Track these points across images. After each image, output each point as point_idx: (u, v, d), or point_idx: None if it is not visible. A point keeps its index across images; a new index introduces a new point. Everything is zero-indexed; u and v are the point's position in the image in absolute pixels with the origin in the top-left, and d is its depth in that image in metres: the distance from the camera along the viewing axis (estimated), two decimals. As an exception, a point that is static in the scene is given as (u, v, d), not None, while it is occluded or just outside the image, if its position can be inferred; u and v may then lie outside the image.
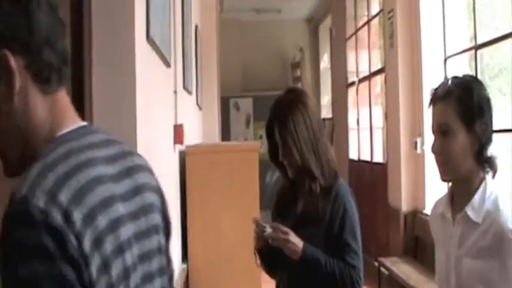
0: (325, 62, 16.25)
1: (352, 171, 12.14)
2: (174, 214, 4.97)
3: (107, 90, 2.83)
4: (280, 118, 3.20)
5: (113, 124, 2.83)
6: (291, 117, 3.17)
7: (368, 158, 11.07)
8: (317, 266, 3.08)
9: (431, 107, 2.58)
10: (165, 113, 4.40)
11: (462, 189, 2.56)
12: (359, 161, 11.80)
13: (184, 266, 5.43)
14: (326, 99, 16.07)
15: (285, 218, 3.25)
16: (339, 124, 13.27)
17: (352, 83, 12.27)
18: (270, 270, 3.39)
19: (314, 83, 16.58)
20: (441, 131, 2.50)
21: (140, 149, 2.91)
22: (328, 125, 13.63)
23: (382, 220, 9.67)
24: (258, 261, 3.30)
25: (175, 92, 4.98)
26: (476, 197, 2.49)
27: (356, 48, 12.06)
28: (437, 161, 2.54)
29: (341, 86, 13.08)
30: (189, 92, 6.70)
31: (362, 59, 11.78)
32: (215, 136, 10.13)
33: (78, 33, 2.75)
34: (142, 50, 3.12)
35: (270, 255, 3.20)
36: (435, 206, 2.80)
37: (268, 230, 3.05)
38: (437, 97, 2.54)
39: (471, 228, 2.49)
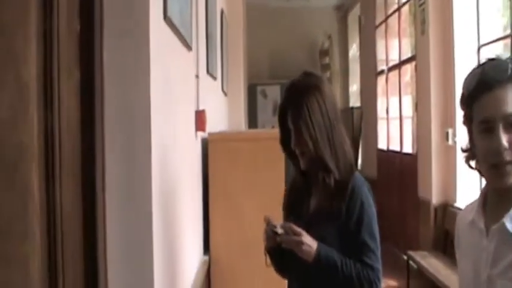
0: (354, 50, 16.05)
1: (381, 161, 11.95)
2: (196, 204, 4.78)
3: (118, 72, 2.64)
4: (294, 103, 2.98)
5: (124, 108, 2.66)
6: (305, 102, 2.94)
7: (397, 148, 10.87)
8: (332, 268, 2.86)
9: (485, 92, 2.09)
10: (186, 98, 4.20)
11: (501, 194, 2.15)
12: (388, 151, 11.60)
13: (206, 257, 5.25)
14: (355, 87, 15.89)
15: (298, 215, 3.05)
16: (367, 113, 13.06)
17: (382, 71, 12.08)
18: (282, 271, 3.18)
19: (343, 71, 16.41)
20: (508, 122, 2.05)
21: (154, 135, 2.75)
22: (357, 113, 13.44)
23: (411, 212, 9.45)
24: (268, 262, 3.09)
25: (197, 77, 4.79)
26: None
27: (386, 35, 11.87)
28: (501, 162, 2.06)
29: (370, 74, 12.88)
30: (214, 78, 6.51)
31: (392, 46, 11.58)
32: (241, 124, 9.94)
33: (88, 11, 2.56)
34: (158, 29, 2.92)
35: (281, 255, 3.00)
36: (463, 213, 2.39)
37: (280, 230, 2.84)
38: (496, 81, 2.08)
39: (509, 243, 2.09)
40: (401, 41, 10.94)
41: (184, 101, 4.09)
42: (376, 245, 2.94)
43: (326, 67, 16.18)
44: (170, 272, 3.29)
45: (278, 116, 3.08)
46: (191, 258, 4.33)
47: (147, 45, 2.69)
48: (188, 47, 4.14)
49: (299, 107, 2.95)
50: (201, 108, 4.84)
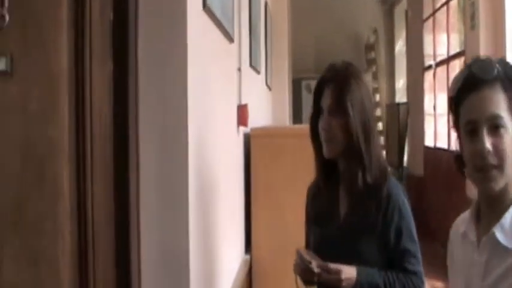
0: (400, 45, 15.85)
1: (428, 158, 11.76)
2: (237, 201, 4.67)
3: (153, 63, 2.55)
4: (337, 78, 2.74)
5: (159, 101, 2.57)
6: (351, 80, 2.72)
7: (445, 146, 10.65)
8: None
9: (470, 93, 1.96)
10: (227, 91, 4.08)
11: (492, 203, 2.01)
12: (435, 148, 11.40)
13: (247, 257, 5.12)
14: (401, 83, 15.69)
15: (325, 222, 2.86)
16: (414, 109, 12.84)
17: (429, 67, 11.88)
18: None
19: (388, 66, 16.25)
20: (493, 124, 1.92)
21: (192, 130, 2.65)
22: (403, 109, 13.25)
23: (459, 211, 9.16)
24: (300, 284, 2.88)
25: (239, 70, 4.67)
26: (508, 216, 1.96)
27: (433, 30, 11.67)
28: (486, 166, 1.93)
29: (417, 70, 12.69)
30: (257, 71, 6.40)
31: (440, 41, 11.38)
32: (285, 119, 9.83)
33: (122, -1, 2.47)
34: (197, 18, 2.81)
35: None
36: (456, 223, 2.24)
37: (316, 269, 2.67)
38: (483, 81, 1.95)
39: (500, 255, 1.94)
40: (450, 36, 10.73)
41: (225, 95, 3.97)
42: (417, 247, 2.79)
43: (372, 62, 16.04)
44: (208, 271, 3.18)
45: (314, 93, 2.83)
46: (231, 258, 4.21)
47: (184, 35, 2.58)
48: (230, 39, 4.03)
49: (344, 80, 2.73)
50: (243, 102, 4.71)
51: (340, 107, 2.71)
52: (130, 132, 2.47)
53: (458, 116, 2.04)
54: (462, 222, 2.16)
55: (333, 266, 2.67)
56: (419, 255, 2.79)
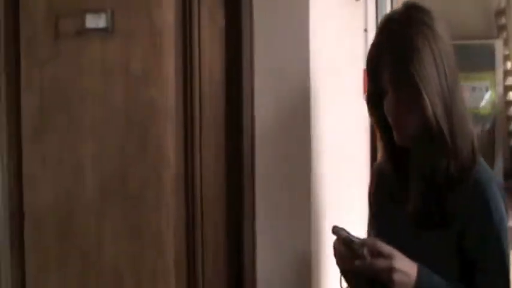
0: (536, 9, 15.20)
1: None
2: (363, 171, 4.44)
3: (270, 21, 2.34)
4: (394, 46, 1.97)
5: (277, 62, 2.36)
6: (412, 45, 1.92)
7: None
8: None
9: None
10: (352, 53, 3.85)
11: None
12: None
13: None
14: (536, 48, 15.04)
15: (388, 217, 2.15)
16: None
17: None
18: None
19: (521, 32, 15.59)
20: None
21: (314, 95, 2.45)
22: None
23: None
24: (344, 285, 2.12)
25: (365, 31, 4.42)
26: None
27: None
28: None
29: (555, 35, 12.09)
30: (384, 35, 6.13)
31: None
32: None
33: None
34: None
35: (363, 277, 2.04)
36: None
37: (360, 250, 1.85)
38: None
39: None
40: None
41: (350, 57, 3.74)
42: (506, 274, 2.01)
43: (502, 28, 15.44)
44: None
45: (367, 65, 2.09)
46: (359, 224, 3.99)
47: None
48: (355, -4, 3.82)
49: (405, 44, 1.95)
50: (369, 66, 4.47)
51: (406, 83, 1.97)
52: (245, 94, 2.28)
53: None
54: None
55: (384, 246, 1.91)
56: (509, 277, 2.02)
